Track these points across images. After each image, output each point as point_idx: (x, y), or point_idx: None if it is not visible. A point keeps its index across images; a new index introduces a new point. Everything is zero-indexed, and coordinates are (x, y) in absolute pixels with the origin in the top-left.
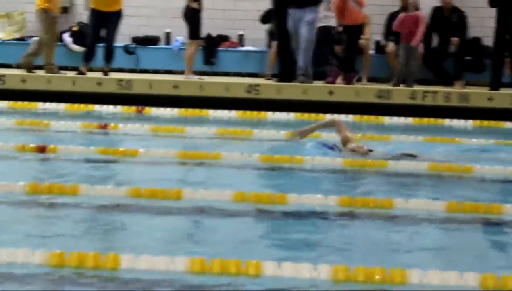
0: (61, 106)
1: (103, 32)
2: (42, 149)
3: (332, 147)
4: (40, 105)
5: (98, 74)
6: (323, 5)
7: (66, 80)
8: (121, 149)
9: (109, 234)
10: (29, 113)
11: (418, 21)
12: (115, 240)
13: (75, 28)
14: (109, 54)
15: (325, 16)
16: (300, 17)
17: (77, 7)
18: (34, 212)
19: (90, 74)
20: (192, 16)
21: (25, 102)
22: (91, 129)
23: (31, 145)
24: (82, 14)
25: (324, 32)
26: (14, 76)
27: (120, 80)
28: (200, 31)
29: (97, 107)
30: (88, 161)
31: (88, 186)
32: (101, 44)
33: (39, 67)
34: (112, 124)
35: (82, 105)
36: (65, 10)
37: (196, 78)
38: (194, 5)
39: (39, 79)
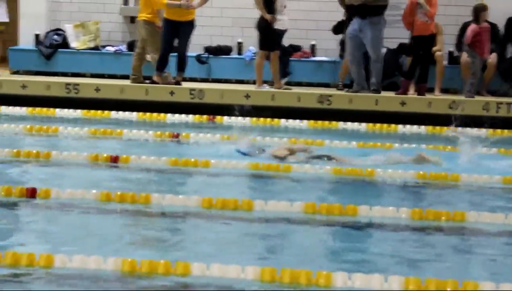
0: (134, 115)
1: (175, 42)
2: (115, 159)
3: (245, 153)
4: (113, 114)
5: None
6: None
7: (139, 89)
8: (192, 160)
9: (180, 242)
10: (102, 122)
11: (489, 32)
12: (186, 249)
13: None
14: (182, 64)
15: None
16: (362, 27)
17: None
18: (106, 220)
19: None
20: (265, 27)
21: (99, 111)
22: (163, 139)
23: (104, 155)
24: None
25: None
26: (88, 86)
27: (193, 89)
28: (274, 42)
29: (169, 117)
30: (160, 170)
31: (160, 196)
32: (174, 54)
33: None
34: (184, 134)
35: (154, 115)
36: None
37: (267, 88)
38: (268, 16)
39: (113, 88)
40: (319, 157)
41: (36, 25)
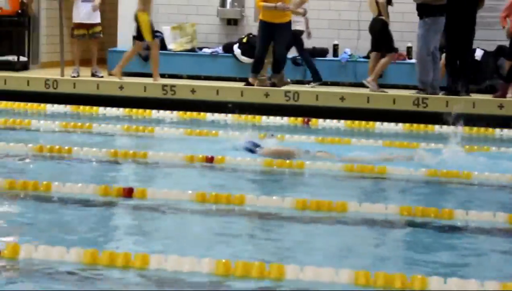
0: (229, 117)
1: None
2: (210, 159)
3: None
4: (209, 116)
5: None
6: None
7: (234, 91)
8: (287, 161)
9: (273, 244)
10: (198, 123)
11: None
12: (280, 251)
13: (244, 40)
14: (278, 66)
15: None
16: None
17: (247, 19)
18: (201, 221)
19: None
20: (381, 29)
21: (194, 113)
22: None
23: (200, 155)
24: (251, 26)
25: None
26: (184, 87)
27: (288, 91)
28: (391, 44)
29: (264, 118)
30: (254, 171)
31: (254, 196)
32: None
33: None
34: (279, 136)
35: (249, 116)
36: (235, 22)
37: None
38: (384, 17)
39: (208, 89)
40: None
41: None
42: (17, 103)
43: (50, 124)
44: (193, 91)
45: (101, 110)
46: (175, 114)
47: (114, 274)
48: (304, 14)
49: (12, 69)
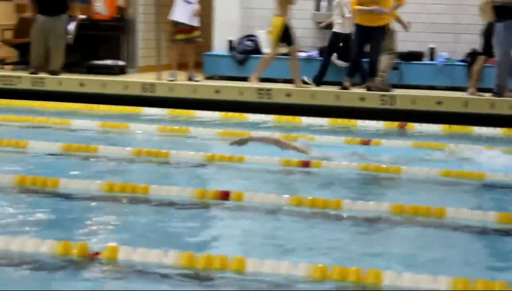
0: (325, 121)
1: (367, 48)
2: (306, 164)
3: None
4: (304, 120)
5: (362, 90)
6: None
7: (330, 95)
8: (383, 166)
9: (371, 249)
10: (294, 128)
11: None
12: (379, 255)
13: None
14: (373, 70)
15: None
16: None
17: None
18: (297, 225)
19: (354, 90)
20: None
21: (290, 117)
22: (353, 145)
23: (296, 159)
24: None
25: None
26: (279, 91)
27: (383, 95)
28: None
29: (359, 123)
30: (350, 176)
31: (350, 201)
32: (365, 60)
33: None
34: (375, 140)
35: (345, 120)
36: (330, 25)
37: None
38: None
39: (303, 93)
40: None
41: (229, 31)
42: (114, 107)
43: (147, 128)
44: (288, 95)
45: (198, 114)
46: (270, 118)
47: (211, 277)
48: (406, 26)
49: (110, 73)
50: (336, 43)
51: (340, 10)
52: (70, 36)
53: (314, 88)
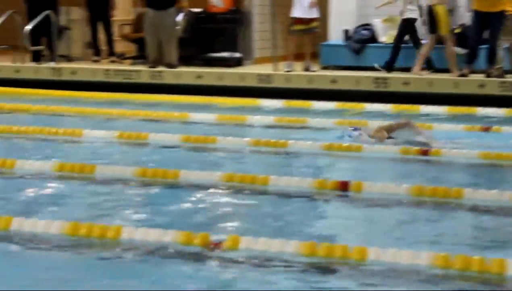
0: (442, 109)
1: (486, 34)
2: (425, 152)
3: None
4: (422, 108)
5: (480, 76)
6: None
7: (448, 82)
8: (505, 153)
9: (496, 238)
10: (412, 116)
11: None
12: (503, 245)
13: (457, 30)
14: (492, 56)
15: None
16: None
17: (460, 9)
18: (419, 214)
19: (473, 76)
20: None
21: (407, 105)
22: (474, 132)
23: (415, 148)
24: (465, 16)
25: None
26: (396, 79)
27: (503, 82)
28: None
29: (479, 109)
30: (471, 165)
31: (471, 190)
32: (484, 46)
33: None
34: (495, 127)
35: (464, 108)
36: (450, 11)
37: None
38: None
39: (421, 81)
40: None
41: (345, 21)
42: (231, 98)
43: (264, 119)
44: (405, 83)
45: (314, 104)
46: (388, 107)
47: (331, 266)
48: None
49: (226, 66)
50: (407, 30)
51: None
52: (179, 27)
53: (430, 76)
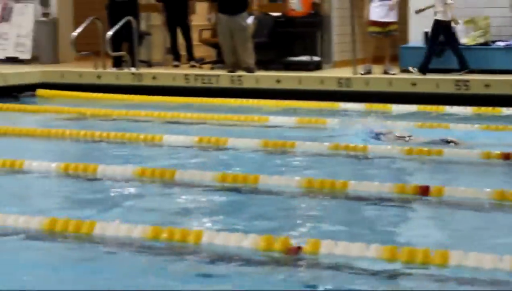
0: None
1: None
2: (506, 156)
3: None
4: (504, 110)
5: None
6: None
7: None
8: None
9: None
10: (493, 119)
11: None
12: None
13: None
14: None
15: None
16: None
17: None
18: (502, 219)
19: None
20: None
21: (489, 108)
22: None
23: (497, 152)
24: None
25: None
26: (478, 82)
27: None
28: None
29: None
30: None
31: None
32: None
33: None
34: None
35: None
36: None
37: None
38: None
39: (503, 84)
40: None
41: (425, 23)
42: (311, 102)
43: (343, 122)
44: (487, 86)
45: (394, 107)
46: (469, 110)
47: (413, 271)
48: None
49: (306, 69)
50: (439, 31)
51: None
52: (250, 31)
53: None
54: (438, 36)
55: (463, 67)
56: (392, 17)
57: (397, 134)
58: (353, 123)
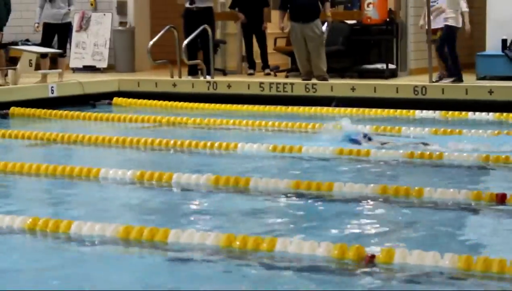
0: None
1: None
2: None
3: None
4: None
5: None
6: None
7: None
8: None
9: None
10: None
11: None
12: None
13: None
14: None
15: None
16: None
17: None
18: None
19: None
20: None
21: None
22: None
23: None
24: None
25: None
26: None
27: None
28: None
29: None
30: None
31: None
32: None
33: None
34: None
35: None
36: None
37: None
38: None
39: None
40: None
41: (503, 30)
42: (386, 110)
43: (419, 131)
44: None
45: (470, 115)
46: None
47: (490, 280)
48: None
49: (381, 77)
50: (452, 37)
51: (456, 3)
52: (324, 39)
53: None
54: (453, 41)
55: (454, 74)
56: (438, 24)
57: (378, 139)
58: (431, 132)
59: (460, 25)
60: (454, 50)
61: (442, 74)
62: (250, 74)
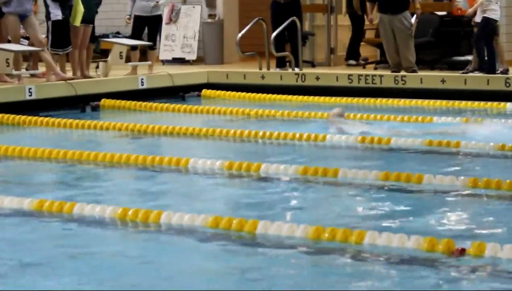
0: None
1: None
2: None
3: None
4: None
5: None
6: None
7: None
8: None
9: None
10: None
11: None
12: None
13: None
14: None
15: None
16: None
17: None
18: None
19: None
20: None
21: None
22: None
23: None
24: None
25: None
26: None
27: None
28: None
29: None
30: None
31: None
32: None
33: None
34: None
35: None
36: None
37: None
38: None
39: None
40: None
41: None
42: (476, 102)
43: (510, 123)
44: None
45: (508, 106)
46: None
47: None
48: None
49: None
50: (488, 30)
51: None
52: (413, 31)
53: None
54: (491, 34)
55: (483, 68)
56: (477, 17)
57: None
58: None
59: (499, 17)
60: (491, 43)
61: (474, 68)
62: (350, 65)
